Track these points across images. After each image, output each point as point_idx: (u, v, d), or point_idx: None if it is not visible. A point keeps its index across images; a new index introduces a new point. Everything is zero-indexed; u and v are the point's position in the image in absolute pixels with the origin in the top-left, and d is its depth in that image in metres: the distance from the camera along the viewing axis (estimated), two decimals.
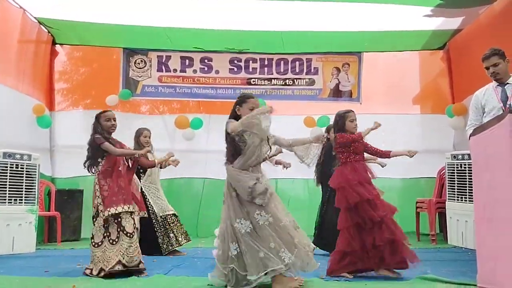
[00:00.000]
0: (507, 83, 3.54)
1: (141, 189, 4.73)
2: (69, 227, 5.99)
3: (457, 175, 5.35)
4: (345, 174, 3.63)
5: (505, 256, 2.76)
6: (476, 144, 3.24)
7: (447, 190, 5.53)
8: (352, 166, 3.66)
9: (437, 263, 4.18)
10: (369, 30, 6.38)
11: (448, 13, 5.82)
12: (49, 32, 6.47)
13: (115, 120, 3.80)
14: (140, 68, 6.96)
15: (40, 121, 6.19)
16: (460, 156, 5.36)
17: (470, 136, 3.56)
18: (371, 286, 3.22)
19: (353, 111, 3.84)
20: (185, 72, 7.00)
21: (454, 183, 5.38)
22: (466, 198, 5.14)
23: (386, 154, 3.91)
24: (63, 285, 3.18)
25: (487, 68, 3.57)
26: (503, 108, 3.43)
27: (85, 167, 3.72)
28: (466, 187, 5.15)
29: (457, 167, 5.37)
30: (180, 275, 3.40)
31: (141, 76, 6.96)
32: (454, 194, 5.37)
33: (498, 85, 3.58)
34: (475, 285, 3.09)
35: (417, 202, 6.08)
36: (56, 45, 6.81)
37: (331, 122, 4.18)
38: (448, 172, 5.52)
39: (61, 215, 5.64)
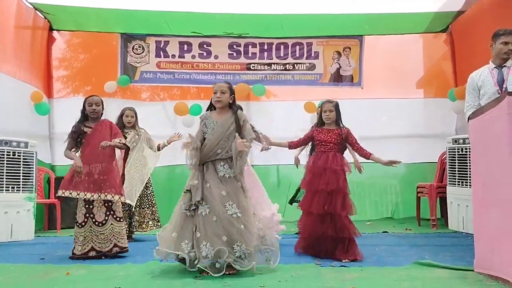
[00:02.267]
0: (504, 66, 3.46)
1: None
2: (69, 215, 5.96)
3: (458, 160, 5.28)
4: (313, 162, 3.86)
5: (502, 240, 2.72)
6: (475, 127, 3.18)
7: (447, 174, 5.47)
8: (318, 157, 3.82)
9: (436, 248, 4.16)
10: (370, 13, 6.26)
11: None
12: (45, 18, 6.40)
13: (98, 105, 3.84)
14: (138, 54, 6.88)
15: (38, 108, 6.17)
16: (461, 141, 5.29)
17: (468, 119, 3.50)
18: (366, 271, 3.19)
19: (328, 102, 3.92)
20: (184, 57, 6.92)
21: (455, 168, 5.32)
22: (467, 182, 5.08)
23: (366, 155, 3.89)
24: (57, 273, 3.18)
25: (506, 43, 3.41)
26: (499, 91, 3.36)
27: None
28: (467, 171, 5.09)
29: (458, 152, 5.30)
30: (176, 262, 3.38)
31: (139, 62, 6.89)
32: (455, 179, 5.31)
33: (494, 67, 3.49)
34: (472, 270, 3.07)
35: (417, 187, 6.03)
36: (53, 31, 6.74)
37: None
38: (449, 157, 5.45)
39: (61, 203, 5.65)
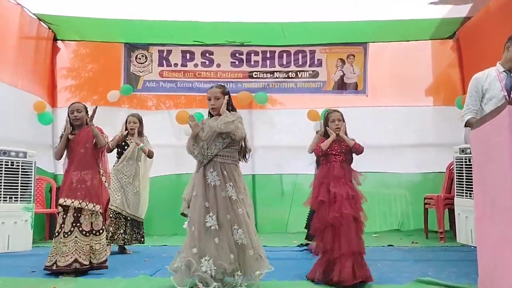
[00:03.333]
0: (511, 71, 3.29)
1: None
2: None
3: (466, 170, 5.10)
4: (318, 175, 3.52)
5: (506, 257, 2.56)
6: (476, 137, 3.03)
7: (455, 185, 5.28)
8: (328, 168, 3.45)
9: (442, 263, 3.98)
10: (374, 20, 6.15)
11: (456, 0, 5.54)
12: (49, 28, 6.44)
13: (79, 112, 3.72)
14: (141, 63, 6.89)
15: (41, 118, 6.18)
16: (468, 150, 5.10)
17: (466, 125, 3.34)
18: None
19: (337, 111, 3.60)
20: (186, 66, 6.90)
21: (463, 178, 5.13)
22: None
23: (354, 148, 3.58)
24: (44, 286, 3.11)
25: None
26: (507, 97, 3.18)
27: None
28: None
29: (465, 162, 5.12)
30: (166, 277, 3.28)
31: (142, 71, 6.89)
32: (463, 190, 5.12)
33: (503, 71, 3.32)
34: None
35: (425, 198, 5.85)
36: (58, 41, 6.79)
37: None
38: (456, 167, 5.27)
39: None
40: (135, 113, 5.11)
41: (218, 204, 2.93)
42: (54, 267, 3.48)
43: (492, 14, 5.45)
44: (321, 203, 3.34)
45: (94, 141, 3.71)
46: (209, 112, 3.21)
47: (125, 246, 4.78)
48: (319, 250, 3.34)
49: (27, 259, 4.35)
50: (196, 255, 2.81)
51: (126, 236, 4.69)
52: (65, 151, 3.72)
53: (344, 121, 4.04)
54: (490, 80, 3.30)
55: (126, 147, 4.83)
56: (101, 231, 3.66)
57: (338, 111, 3.60)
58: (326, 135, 3.56)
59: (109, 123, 5.10)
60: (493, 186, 2.73)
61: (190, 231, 2.93)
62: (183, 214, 3.13)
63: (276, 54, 6.88)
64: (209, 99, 3.11)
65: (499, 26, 5.20)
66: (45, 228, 5.93)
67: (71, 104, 3.82)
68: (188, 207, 3.11)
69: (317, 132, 4.95)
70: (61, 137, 3.74)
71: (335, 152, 3.44)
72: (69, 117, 3.75)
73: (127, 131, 4.83)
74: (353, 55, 6.84)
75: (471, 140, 3.11)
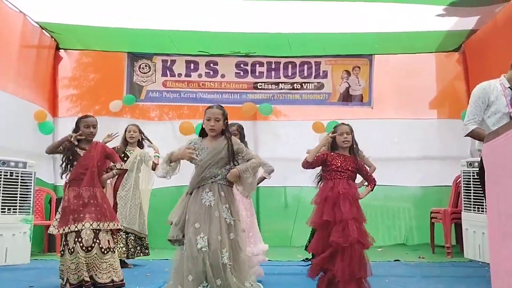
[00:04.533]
0: None
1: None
2: None
3: (473, 184, 5.01)
4: (322, 192, 3.34)
5: None
6: (489, 151, 2.94)
7: (462, 199, 5.19)
8: (334, 184, 3.30)
9: (450, 280, 3.88)
10: (380, 32, 6.12)
11: (462, 12, 5.52)
12: (52, 37, 6.41)
13: (94, 128, 3.62)
14: (144, 73, 6.84)
15: (42, 128, 6.11)
16: (476, 164, 5.00)
17: (469, 135, 3.25)
18: None
19: (346, 125, 3.45)
20: (190, 76, 6.85)
21: (470, 192, 5.04)
22: (483, 208, 4.79)
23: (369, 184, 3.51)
24: None
25: None
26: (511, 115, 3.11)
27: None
28: (483, 196, 4.79)
29: (473, 175, 5.02)
30: None
31: (145, 81, 6.84)
32: (470, 204, 5.02)
33: (509, 87, 3.25)
34: None
35: (431, 213, 5.75)
36: (60, 50, 6.75)
37: None
38: (464, 181, 5.18)
39: None
40: (135, 123, 5.04)
41: (210, 225, 2.77)
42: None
43: (499, 27, 5.41)
44: (325, 223, 3.20)
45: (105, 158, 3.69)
46: (202, 131, 3.06)
47: (125, 260, 4.64)
48: (315, 271, 3.24)
49: (26, 272, 4.24)
50: (194, 282, 2.65)
51: (128, 250, 4.56)
52: (67, 163, 3.59)
53: (352, 132, 3.97)
54: (497, 94, 3.21)
55: (125, 159, 4.69)
56: (114, 249, 3.57)
57: (348, 125, 3.46)
58: (333, 148, 3.42)
59: (115, 142, 5.01)
60: (508, 202, 2.63)
61: (184, 257, 2.74)
62: (175, 241, 2.84)
63: (281, 65, 6.83)
64: (209, 119, 2.95)
65: (506, 39, 5.16)
66: (44, 241, 5.80)
67: (85, 118, 3.67)
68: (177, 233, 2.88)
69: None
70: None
71: (340, 169, 3.30)
72: (78, 129, 3.59)
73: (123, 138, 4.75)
74: (359, 67, 6.79)
75: (484, 154, 3.01)
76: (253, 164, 2.99)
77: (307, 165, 3.37)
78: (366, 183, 3.59)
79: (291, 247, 6.29)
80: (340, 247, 3.08)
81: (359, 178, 3.55)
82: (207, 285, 2.63)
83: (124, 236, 4.58)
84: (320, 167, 3.46)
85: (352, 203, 3.21)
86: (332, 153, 3.38)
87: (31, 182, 4.94)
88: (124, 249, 4.54)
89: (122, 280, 3.51)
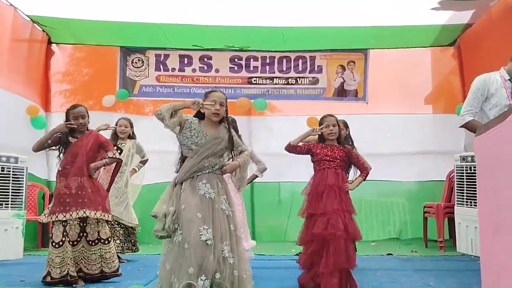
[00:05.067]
0: None
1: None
2: None
3: (467, 178, 5.01)
4: (311, 183, 3.36)
5: (510, 268, 2.46)
6: (480, 145, 2.93)
7: (455, 194, 5.19)
8: (322, 174, 3.31)
9: (442, 273, 3.90)
10: (375, 26, 6.07)
11: (457, 6, 5.51)
12: (44, 31, 6.35)
13: (83, 118, 3.53)
14: (137, 68, 6.79)
15: (34, 122, 6.07)
16: (469, 158, 5.02)
17: (464, 126, 3.25)
18: None
19: (332, 116, 3.44)
20: (184, 71, 6.80)
21: (463, 187, 5.04)
22: (476, 203, 4.80)
23: (361, 173, 3.47)
24: None
25: None
26: None
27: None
28: (476, 191, 4.80)
29: (466, 170, 5.03)
30: None
31: (138, 76, 6.79)
32: (463, 199, 5.03)
33: (509, 79, 3.24)
34: None
35: (424, 207, 5.76)
36: (52, 44, 6.68)
37: None
38: (457, 175, 5.18)
39: None
40: (126, 117, 4.98)
41: (214, 218, 2.65)
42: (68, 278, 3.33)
43: (494, 20, 5.40)
44: (311, 216, 3.23)
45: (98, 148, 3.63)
46: (199, 114, 2.83)
47: (119, 255, 4.61)
48: (304, 263, 3.26)
49: (18, 268, 4.23)
50: (194, 275, 2.48)
51: (121, 244, 4.55)
52: (60, 153, 3.53)
53: (347, 127, 3.95)
54: (496, 86, 3.21)
55: (119, 152, 4.58)
56: (109, 239, 3.54)
57: (333, 116, 3.45)
58: (321, 139, 3.42)
59: (104, 134, 4.96)
60: (499, 195, 2.63)
61: (180, 249, 2.57)
62: (162, 237, 2.68)
63: (276, 60, 6.80)
64: (214, 103, 2.76)
65: (501, 33, 5.15)
66: (38, 236, 5.79)
67: (73, 108, 3.57)
68: (165, 226, 2.66)
69: None
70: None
71: (329, 158, 3.31)
72: (67, 121, 3.52)
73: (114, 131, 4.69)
74: (354, 62, 6.77)
75: (475, 147, 3.00)
76: (248, 157, 2.94)
77: (289, 147, 3.38)
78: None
79: (285, 242, 6.30)
80: (324, 239, 3.09)
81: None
82: (205, 279, 2.49)
83: (118, 231, 4.56)
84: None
85: (338, 194, 3.20)
86: (319, 144, 3.40)
87: (23, 177, 4.91)
88: (119, 243, 4.52)
89: (116, 271, 3.48)
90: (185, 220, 2.60)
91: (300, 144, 3.41)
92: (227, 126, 2.88)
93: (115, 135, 4.69)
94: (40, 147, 3.55)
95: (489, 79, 3.25)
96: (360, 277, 3.56)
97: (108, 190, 3.93)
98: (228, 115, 2.95)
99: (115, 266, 3.52)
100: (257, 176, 4.35)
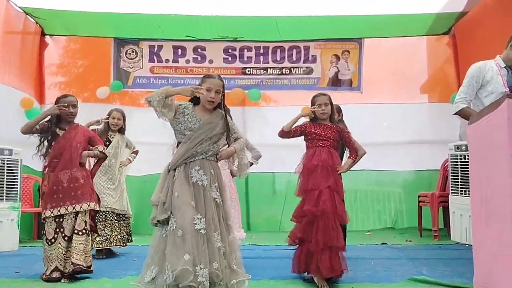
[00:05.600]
0: None
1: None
2: None
3: (461, 167, 5.03)
4: (304, 161, 3.36)
5: (502, 256, 2.48)
6: (473, 133, 2.94)
7: (450, 183, 5.22)
8: (315, 151, 3.29)
9: (436, 262, 3.93)
10: (370, 14, 6.04)
11: None
12: (37, 22, 6.29)
13: (74, 107, 3.48)
14: (131, 59, 6.75)
15: (29, 115, 6.02)
16: (463, 147, 5.04)
17: (458, 113, 3.24)
18: None
19: (322, 94, 3.42)
20: (178, 62, 6.77)
21: (458, 176, 5.06)
22: (470, 191, 4.82)
23: (351, 155, 3.47)
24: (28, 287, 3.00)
25: None
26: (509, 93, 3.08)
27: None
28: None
29: (461, 159, 5.05)
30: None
31: (132, 67, 6.75)
32: (458, 188, 5.06)
33: (505, 66, 3.23)
34: None
35: (419, 196, 5.79)
36: (46, 36, 6.62)
37: None
38: (451, 164, 5.20)
39: None
40: (118, 108, 4.89)
41: (206, 206, 2.62)
42: (56, 275, 3.27)
43: (489, 8, 5.37)
44: (304, 192, 3.25)
45: (88, 141, 3.59)
46: (194, 99, 2.76)
47: (111, 248, 4.53)
48: (294, 238, 3.26)
49: (13, 259, 4.24)
50: (190, 262, 2.43)
51: (119, 237, 4.49)
52: (47, 145, 3.46)
53: (332, 106, 3.93)
54: (492, 74, 3.19)
55: (107, 143, 4.50)
56: (84, 230, 3.42)
57: (326, 95, 3.42)
58: (313, 120, 3.39)
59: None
60: (491, 183, 2.64)
61: (174, 236, 2.52)
62: (158, 223, 2.63)
63: (270, 50, 6.76)
64: (209, 90, 2.69)
65: (496, 21, 5.13)
66: (33, 228, 5.79)
67: (63, 97, 3.50)
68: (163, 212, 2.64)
69: None
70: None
71: (322, 137, 3.29)
72: (57, 109, 3.41)
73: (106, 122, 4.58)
74: (348, 51, 6.74)
75: (468, 135, 3.01)
76: (243, 144, 2.92)
77: (282, 133, 3.39)
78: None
79: (280, 232, 6.31)
80: (314, 216, 3.10)
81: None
82: (203, 268, 2.46)
83: (116, 224, 4.49)
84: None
85: (330, 172, 3.21)
86: (312, 124, 3.38)
87: (17, 169, 4.90)
88: (118, 236, 4.47)
89: (90, 267, 3.38)
90: (179, 207, 2.56)
91: (293, 127, 3.40)
92: (223, 112, 2.83)
93: (107, 126, 4.59)
94: (28, 130, 3.42)
95: (485, 67, 3.23)
96: (354, 266, 3.59)
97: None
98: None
99: (91, 261, 3.44)
100: (252, 164, 4.35)
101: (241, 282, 2.64)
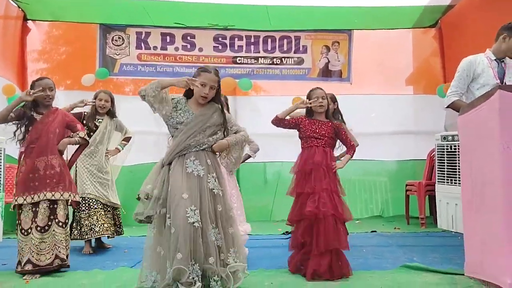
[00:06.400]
0: (502, 60, 3.27)
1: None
2: None
3: (447, 157, 5.14)
4: (298, 161, 3.32)
5: (493, 244, 2.54)
6: (464, 123, 3.00)
7: (436, 172, 5.33)
8: (309, 152, 3.27)
9: (425, 249, 4.01)
10: (359, 6, 6.06)
11: None
12: (19, 7, 6.09)
13: (51, 90, 3.32)
14: (117, 46, 6.60)
15: (11, 102, 5.86)
16: (450, 138, 5.15)
17: (450, 106, 3.31)
18: (351, 276, 3.02)
19: (320, 89, 3.38)
20: (166, 49, 6.66)
21: (444, 165, 5.17)
22: (456, 180, 4.93)
23: (347, 150, 3.47)
24: (16, 281, 2.96)
25: None
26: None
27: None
28: (456, 169, 4.94)
29: (447, 149, 5.15)
30: None
31: (119, 54, 6.61)
32: (444, 177, 5.17)
33: (495, 59, 3.30)
34: (462, 274, 2.90)
35: (406, 185, 5.89)
36: (28, 21, 6.43)
37: None
38: (438, 154, 5.30)
39: None
40: (106, 90, 4.58)
41: (201, 197, 2.54)
42: (28, 267, 3.10)
43: (476, 2, 5.46)
44: (299, 194, 3.22)
45: (65, 126, 3.43)
46: (188, 92, 2.73)
47: (103, 240, 4.39)
48: (294, 242, 3.24)
49: None
50: (183, 260, 2.39)
51: (105, 226, 4.22)
52: (24, 130, 3.30)
53: (334, 102, 3.95)
54: (483, 67, 3.26)
55: (95, 129, 4.26)
56: (67, 221, 3.31)
57: (321, 89, 3.40)
58: (309, 115, 3.36)
59: (83, 108, 4.73)
60: (482, 173, 2.69)
61: (167, 233, 2.48)
62: (147, 219, 2.56)
63: (261, 39, 6.71)
64: (204, 85, 2.64)
65: (482, 14, 5.21)
66: (16, 219, 5.65)
67: (39, 80, 3.34)
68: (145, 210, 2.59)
69: None
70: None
71: (316, 135, 3.26)
72: (32, 92, 3.21)
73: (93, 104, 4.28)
74: (338, 42, 6.76)
75: (459, 125, 3.07)
76: (242, 137, 2.82)
77: (276, 121, 3.34)
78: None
79: (272, 221, 6.37)
80: (314, 218, 3.07)
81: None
82: (194, 263, 2.41)
83: (102, 213, 4.23)
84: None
85: (326, 174, 3.18)
86: (307, 119, 3.34)
87: (0, 159, 4.77)
88: (104, 226, 4.20)
89: (66, 260, 3.25)
90: (172, 202, 2.50)
91: (288, 117, 3.37)
92: (219, 105, 2.78)
93: (95, 110, 4.30)
94: (2, 119, 3.24)
95: (475, 61, 3.31)
96: (346, 254, 3.62)
97: (69, 168, 3.57)
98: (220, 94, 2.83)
99: (67, 255, 3.32)
100: (250, 156, 4.33)
101: (237, 273, 2.60)
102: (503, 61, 3.29)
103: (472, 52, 3.43)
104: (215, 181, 2.66)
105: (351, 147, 3.42)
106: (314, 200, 3.09)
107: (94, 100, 4.30)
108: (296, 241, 3.22)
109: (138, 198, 2.61)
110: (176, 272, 2.39)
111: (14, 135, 3.34)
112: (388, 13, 6.28)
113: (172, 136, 2.74)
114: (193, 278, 2.40)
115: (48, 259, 3.14)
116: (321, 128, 3.28)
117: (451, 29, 6.33)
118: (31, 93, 3.18)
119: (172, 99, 2.68)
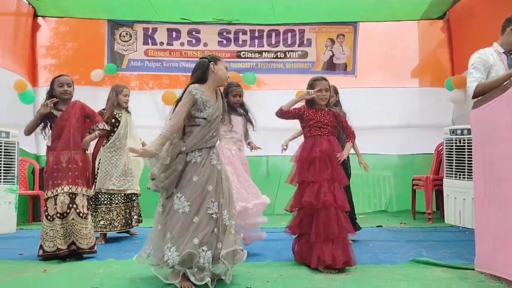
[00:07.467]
0: (511, 53, 3.25)
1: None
2: None
3: (456, 151, 5.13)
4: (301, 150, 3.31)
5: (505, 239, 2.56)
6: (477, 117, 3.00)
7: (444, 166, 5.32)
8: (314, 141, 3.25)
9: (433, 244, 4.01)
10: None
11: None
12: (30, 3, 6.14)
13: (69, 86, 3.51)
14: (125, 42, 6.64)
15: (23, 97, 5.93)
16: (459, 131, 5.13)
17: (474, 95, 3.19)
18: (361, 270, 3.04)
19: (325, 80, 3.33)
20: (172, 45, 6.68)
21: (452, 160, 5.16)
22: (464, 175, 4.93)
23: (348, 138, 3.44)
24: (34, 270, 3.01)
25: None
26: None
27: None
28: (464, 163, 4.94)
29: (456, 143, 5.14)
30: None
31: (126, 50, 6.64)
32: (452, 171, 5.16)
33: (504, 52, 3.27)
34: (473, 269, 2.92)
35: (413, 180, 5.88)
36: (38, 18, 6.48)
37: None
38: (446, 148, 5.29)
39: None
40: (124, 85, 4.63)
41: (219, 188, 2.74)
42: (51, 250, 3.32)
43: None
44: (301, 182, 3.22)
45: (84, 119, 3.59)
46: (202, 76, 2.81)
47: (130, 230, 4.50)
48: (293, 229, 3.28)
49: (13, 241, 4.24)
50: (197, 246, 2.55)
51: (123, 221, 4.32)
52: (48, 128, 3.50)
53: (336, 94, 3.91)
54: (494, 59, 3.22)
55: (117, 124, 4.33)
56: (88, 213, 3.48)
57: (326, 80, 3.33)
58: (310, 104, 3.30)
59: (91, 103, 4.80)
60: (495, 167, 2.69)
61: (188, 221, 2.60)
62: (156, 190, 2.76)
63: (265, 34, 6.71)
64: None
65: (491, 6, 5.17)
66: (29, 210, 5.76)
67: (58, 77, 3.56)
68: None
69: None
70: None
71: (320, 125, 3.23)
72: (53, 90, 3.49)
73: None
74: (343, 35, 6.73)
75: (472, 120, 3.06)
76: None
77: (281, 113, 3.31)
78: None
79: (275, 215, 6.37)
80: (314, 208, 3.08)
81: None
82: (206, 250, 2.56)
83: (123, 207, 4.32)
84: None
85: (329, 163, 3.16)
86: (310, 108, 3.31)
87: (14, 152, 4.87)
88: (127, 219, 4.35)
89: (93, 247, 3.45)
90: (196, 193, 2.65)
91: (291, 108, 3.35)
92: (221, 95, 2.91)
93: (117, 104, 4.36)
94: (32, 129, 3.53)
95: (485, 53, 3.27)
96: (353, 248, 3.63)
97: (93, 163, 3.78)
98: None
99: (92, 242, 3.47)
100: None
101: (237, 252, 2.73)
102: (511, 53, 3.27)
103: (482, 44, 3.39)
104: (224, 169, 2.87)
105: (351, 134, 3.40)
106: (313, 190, 3.10)
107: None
108: (293, 229, 3.29)
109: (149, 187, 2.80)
110: (188, 255, 2.53)
111: (42, 133, 3.54)
112: (395, 5, 6.23)
113: (187, 125, 2.78)
114: (203, 263, 2.55)
115: (65, 244, 3.31)
116: (324, 117, 3.26)
117: (459, 21, 6.29)
118: (48, 104, 3.41)
119: (193, 91, 2.71)
